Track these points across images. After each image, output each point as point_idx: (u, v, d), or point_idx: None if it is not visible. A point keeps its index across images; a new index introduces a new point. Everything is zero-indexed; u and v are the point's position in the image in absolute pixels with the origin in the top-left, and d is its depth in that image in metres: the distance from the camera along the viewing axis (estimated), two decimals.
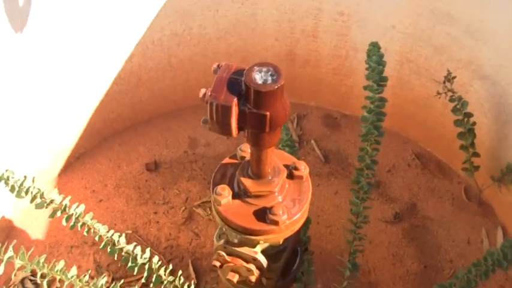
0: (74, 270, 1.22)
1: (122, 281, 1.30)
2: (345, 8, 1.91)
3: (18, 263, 1.19)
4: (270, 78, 1.03)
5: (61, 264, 1.21)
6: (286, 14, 1.99)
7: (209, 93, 1.07)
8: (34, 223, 1.95)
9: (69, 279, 1.19)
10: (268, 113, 1.04)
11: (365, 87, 1.52)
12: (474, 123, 1.72)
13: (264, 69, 1.04)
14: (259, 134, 1.10)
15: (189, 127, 2.24)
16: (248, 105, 1.05)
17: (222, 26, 2.02)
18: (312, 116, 2.29)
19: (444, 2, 1.69)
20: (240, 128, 1.09)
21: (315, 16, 1.96)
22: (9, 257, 1.18)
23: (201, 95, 1.09)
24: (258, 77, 1.03)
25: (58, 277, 1.19)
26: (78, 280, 1.19)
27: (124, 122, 2.17)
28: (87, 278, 1.21)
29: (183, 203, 2.01)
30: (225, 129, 1.09)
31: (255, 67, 1.04)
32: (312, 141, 2.19)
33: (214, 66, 1.14)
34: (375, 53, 1.54)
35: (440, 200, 2.02)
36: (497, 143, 1.79)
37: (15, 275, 1.78)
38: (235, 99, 1.04)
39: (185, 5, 1.92)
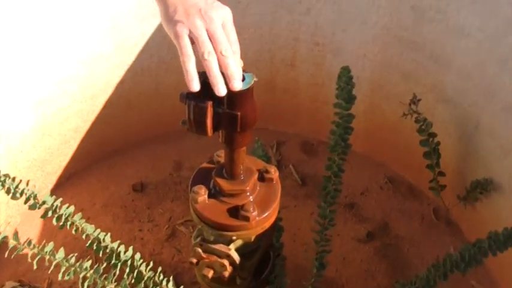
0: (61, 253, 1.30)
1: (105, 263, 1.37)
2: (321, 38, 2.02)
3: (12, 242, 1.26)
4: (242, 81, 1.13)
5: (50, 246, 1.29)
6: (267, 45, 2.09)
7: (187, 95, 1.16)
8: None
9: (56, 259, 1.27)
10: (239, 113, 1.13)
11: (334, 105, 1.61)
12: (438, 143, 1.81)
13: None
14: (232, 133, 1.19)
15: (175, 151, 2.32)
16: (222, 106, 1.14)
17: None
18: (290, 142, 2.37)
19: (410, 31, 1.80)
20: (214, 128, 1.17)
21: (293, 46, 2.06)
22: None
23: (180, 97, 1.19)
24: None
25: (47, 257, 1.26)
26: (65, 261, 1.27)
27: (113, 145, 2.25)
28: (73, 260, 1.29)
29: (167, 222, 2.08)
30: (201, 129, 1.17)
31: None
32: (290, 166, 2.27)
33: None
34: (344, 75, 1.64)
35: (411, 220, 2.09)
36: (461, 162, 1.88)
37: (3, 286, 1.86)
38: (210, 101, 1.12)
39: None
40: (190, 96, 1.15)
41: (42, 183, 2.09)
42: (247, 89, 1.12)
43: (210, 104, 1.13)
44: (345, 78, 1.64)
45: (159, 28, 1.99)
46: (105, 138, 2.20)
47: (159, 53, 2.07)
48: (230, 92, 1.09)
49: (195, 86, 1.05)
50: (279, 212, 1.36)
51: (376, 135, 2.16)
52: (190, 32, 1.07)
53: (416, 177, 2.15)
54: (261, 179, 1.35)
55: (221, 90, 1.07)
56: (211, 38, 1.08)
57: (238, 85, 1.07)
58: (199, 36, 1.08)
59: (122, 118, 2.19)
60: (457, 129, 1.84)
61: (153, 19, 1.95)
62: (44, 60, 1.82)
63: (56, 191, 2.16)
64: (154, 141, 2.34)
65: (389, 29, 1.88)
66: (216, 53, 1.08)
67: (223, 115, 1.15)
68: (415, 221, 2.09)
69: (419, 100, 1.78)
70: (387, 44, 1.90)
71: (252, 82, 1.13)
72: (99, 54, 1.95)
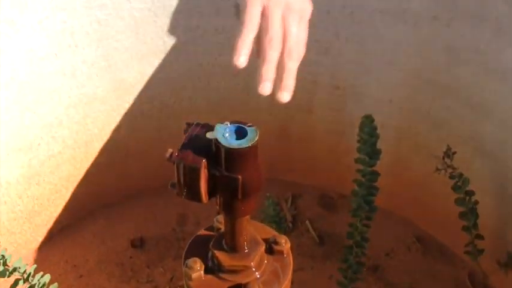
0: None
1: None
2: (341, 81, 1.81)
3: None
4: (242, 137, 0.92)
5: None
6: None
7: (176, 154, 0.96)
8: None
9: None
10: (240, 177, 0.92)
11: (356, 160, 1.40)
12: (476, 202, 1.58)
13: (236, 127, 0.94)
14: (232, 200, 0.98)
15: (179, 203, 2.11)
16: (219, 167, 0.93)
17: (213, 99, 1.93)
18: (307, 195, 2.16)
19: (443, 74, 1.60)
20: (210, 194, 0.97)
21: (309, 90, 1.86)
22: None
23: (167, 155, 0.98)
24: (230, 136, 0.93)
25: None
26: None
27: (111, 196, 2.05)
28: None
29: (168, 283, 1.87)
30: (193, 194, 0.97)
31: (227, 125, 0.94)
32: (307, 222, 2.06)
33: (185, 125, 1.03)
34: (367, 125, 1.43)
35: (443, 286, 1.86)
36: (502, 224, 1.65)
37: None
38: (204, 161, 0.92)
39: (174, 76, 1.83)
40: (179, 154, 0.95)
41: (30, 236, 1.90)
42: (251, 147, 0.91)
43: (204, 164, 0.92)
44: (368, 128, 1.43)
45: (161, 68, 1.79)
46: (101, 188, 2.00)
47: (161, 97, 1.87)
48: (228, 150, 0.88)
49: (242, 61, 0.90)
50: (292, 282, 1.15)
51: (404, 190, 1.94)
52: (265, 8, 0.90)
53: (449, 237, 1.92)
54: (269, 251, 1.13)
55: (265, 89, 0.94)
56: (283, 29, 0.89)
57: (287, 98, 0.97)
58: (273, 15, 0.90)
59: (120, 166, 1.98)
60: (497, 187, 1.62)
61: (153, 58, 1.76)
62: (28, 102, 1.62)
63: (46, 244, 1.97)
64: (155, 192, 2.12)
65: (420, 71, 1.68)
66: (282, 47, 0.91)
67: (220, 178, 0.94)
68: (448, 287, 1.86)
69: (454, 153, 1.56)
70: (417, 89, 1.70)
71: (256, 139, 0.92)
72: (93, 97, 1.76)
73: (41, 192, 1.84)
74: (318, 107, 1.91)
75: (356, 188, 1.37)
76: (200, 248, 1.15)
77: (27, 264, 1.26)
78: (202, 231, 1.19)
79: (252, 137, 0.91)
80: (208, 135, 0.93)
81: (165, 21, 1.71)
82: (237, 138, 0.92)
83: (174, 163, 0.96)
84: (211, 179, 0.94)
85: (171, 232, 2.04)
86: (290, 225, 2.04)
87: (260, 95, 1.90)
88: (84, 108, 1.77)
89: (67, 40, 1.60)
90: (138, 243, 1.99)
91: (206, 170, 0.93)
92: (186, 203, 2.07)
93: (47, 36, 1.56)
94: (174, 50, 1.77)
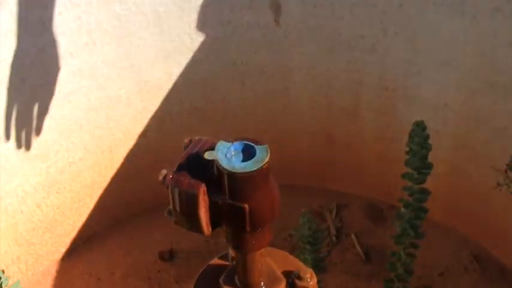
0: None
1: None
2: (390, 82, 1.63)
3: None
4: (250, 158, 0.75)
5: None
6: (323, 88, 1.71)
7: (170, 176, 0.80)
8: None
9: None
10: (246, 206, 0.76)
11: (403, 176, 1.21)
12: None
13: (243, 146, 0.77)
14: (239, 233, 0.82)
15: None
16: (222, 194, 0.77)
17: (249, 101, 1.76)
18: (353, 206, 1.98)
19: (505, 74, 1.39)
20: (214, 224, 0.81)
21: (355, 91, 1.68)
22: None
23: (160, 177, 0.82)
24: (234, 157, 0.76)
25: None
26: None
27: (139, 204, 1.91)
28: None
29: None
30: (193, 224, 0.82)
31: (232, 143, 0.77)
32: (353, 236, 1.88)
33: (186, 141, 0.87)
34: (418, 134, 1.23)
35: None
36: None
37: None
38: (203, 186, 0.76)
39: (205, 76, 1.67)
40: (174, 177, 0.79)
41: (52, 247, 1.80)
42: (259, 170, 0.74)
43: (203, 189, 0.76)
44: (419, 138, 1.24)
45: (189, 68, 1.65)
46: (129, 196, 1.88)
47: (191, 98, 1.72)
48: (232, 175, 0.73)
49: None
50: None
51: (460, 203, 1.75)
52: None
53: (510, 257, 1.71)
54: (291, 286, 0.96)
55: None
56: None
57: None
58: None
59: (148, 173, 1.81)
60: None
61: (180, 56, 1.62)
62: (42, 106, 1.50)
63: (69, 256, 1.87)
64: None
65: (479, 72, 1.48)
66: None
67: (224, 207, 0.78)
68: None
69: None
70: (476, 91, 1.51)
71: (266, 160, 0.75)
72: (116, 99, 1.62)
73: (62, 200, 1.72)
74: (364, 110, 1.73)
75: (402, 209, 1.18)
76: (211, 281, 0.99)
77: None
78: (215, 260, 1.04)
79: (262, 157, 0.75)
80: (207, 155, 0.77)
81: (192, 16, 1.55)
82: (244, 160, 0.75)
83: (167, 188, 0.80)
84: (213, 207, 0.78)
85: (203, 244, 1.88)
86: (334, 238, 1.87)
87: (301, 96, 1.74)
88: (106, 111, 1.64)
89: (83, 38, 1.47)
90: (167, 256, 1.87)
91: (206, 197, 0.77)
92: None
93: (60, 34, 1.42)
94: (203, 47, 1.62)
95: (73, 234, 1.83)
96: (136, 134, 1.74)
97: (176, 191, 0.78)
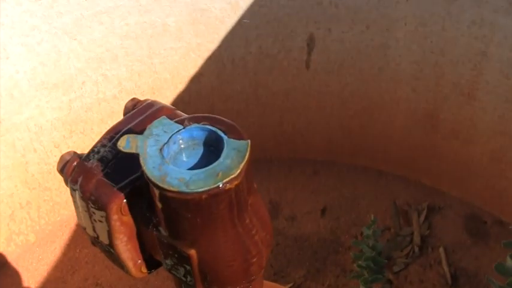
0: None
1: None
2: None
3: None
4: (209, 162, 0.38)
5: None
6: (433, 54, 1.29)
7: (73, 165, 0.44)
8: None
9: None
10: (193, 253, 0.40)
11: None
12: None
13: (201, 135, 0.40)
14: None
15: (273, 187, 1.61)
16: (159, 222, 0.41)
17: (335, 56, 1.36)
18: (450, 211, 1.56)
19: None
20: (152, 262, 0.46)
21: (475, 64, 1.24)
22: None
23: (59, 164, 0.47)
24: (179, 155, 0.39)
25: None
26: None
27: None
28: None
29: None
30: (111, 255, 0.46)
31: (183, 127, 0.40)
32: (441, 250, 1.48)
33: (128, 103, 0.51)
34: None
35: None
36: None
37: None
38: (120, 199, 0.40)
39: (281, 14, 1.29)
40: (78, 171, 0.43)
41: None
42: (223, 190, 0.37)
43: (118, 206, 0.41)
44: None
45: (260, 1, 1.26)
46: None
47: (260, 41, 1.34)
48: (167, 195, 0.36)
49: None
50: None
51: None
52: None
53: None
54: None
55: None
56: None
57: None
58: None
59: None
60: None
61: None
62: (65, 25, 1.19)
63: None
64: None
65: None
66: None
67: (163, 246, 0.41)
68: None
69: None
70: None
71: (238, 171, 0.37)
72: (162, 28, 1.29)
73: (88, 144, 1.42)
74: (484, 91, 1.30)
75: (510, 257, 0.78)
76: None
77: None
78: None
79: (231, 165, 0.38)
80: (123, 142, 0.40)
81: None
82: (198, 164, 0.39)
83: (66, 184, 0.45)
84: (147, 236, 0.43)
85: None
86: (416, 249, 1.48)
87: (403, 60, 1.34)
88: (149, 42, 1.32)
89: None
90: None
91: (129, 219, 0.42)
92: (280, 188, 1.60)
93: None
94: None
95: None
96: (187, 77, 1.42)
97: (77, 196, 0.43)
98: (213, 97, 1.47)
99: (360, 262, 0.97)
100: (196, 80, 1.43)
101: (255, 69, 1.43)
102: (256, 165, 1.56)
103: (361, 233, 1.50)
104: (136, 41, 1.30)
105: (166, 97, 1.44)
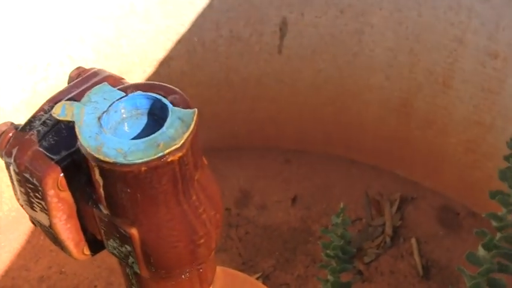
0: None
1: None
2: (503, 48, 1.16)
3: None
4: (152, 131, 0.34)
5: None
6: (408, 41, 1.27)
7: (7, 137, 0.40)
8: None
9: None
10: (134, 232, 0.36)
11: (491, 195, 0.78)
12: None
13: (145, 103, 0.36)
14: (137, 275, 0.43)
15: (244, 175, 1.58)
16: (97, 199, 0.37)
17: (308, 41, 1.33)
18: (422, 202, 1.55)
19: None
20: (96, 243, 0.42)
21: (451, 51, 1.22)
22: None
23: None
24: (121, 125, 0.35)
25: None
26: None
27: None
28: None
29: None
30: (50, 235, 0.43)
31: (125, 94, 0.36)
32: (413, 241, 1.46)
33: (72, 73, 0.48)
34: None
35: None
36: None
37: None
38: (56, 172, 0.37)
39: None
40: (13, 142, 0.40)
41: None
42: (166, 161, 0.33)
43: (53, 179, 0.37)
44: None
45: None
46: None
47: (231, 24, 1.31)
48: (101, 167, 0.34)
49: None
50: None
51: None
52: None
53: None
54: None
55: None
56: None
57: None
58: None
59: None
60: None
61: None
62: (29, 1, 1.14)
63: None
64: (220, 156, 1.59)
65: None
66: None
67: (102, 223, 0.37)
68: None
69: None
70: None
71: (183, 141, 0.33)
72: (130, 9, 1.25)
73: None
74: (460, 80, 1.28)
75: (482, 246, 0.75)
76: None
77: None
78: None
79: (176, 134, 0.35)
80: (58, 110, 0.37)
81: None
82: (141, 134, 0.35)
83: (1, 156, 0.42)
84: (89, 216, 0.39)
85: (224, 213, 1.50)
86: (388, 240, 1.46)
87: (377, 46, 1.32)
88: (116, 23, 1.28)
89: None
90: None
91: (67, 194, 0.38)
92: (252, 176, 1.58)
93: None
94: None
95: None
96: (156, 61, 1.38)
97: (12, 170, 0.39)
98: (183, 82, 1.43)
99: (328, 251, 0.94)
100: (166, 63, 1.39)
101: (226, 53, 1.40)
102: (227, 153, 1.54)
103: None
104: (104, 22, 1.26)
105: (134, 81, 1.39)
